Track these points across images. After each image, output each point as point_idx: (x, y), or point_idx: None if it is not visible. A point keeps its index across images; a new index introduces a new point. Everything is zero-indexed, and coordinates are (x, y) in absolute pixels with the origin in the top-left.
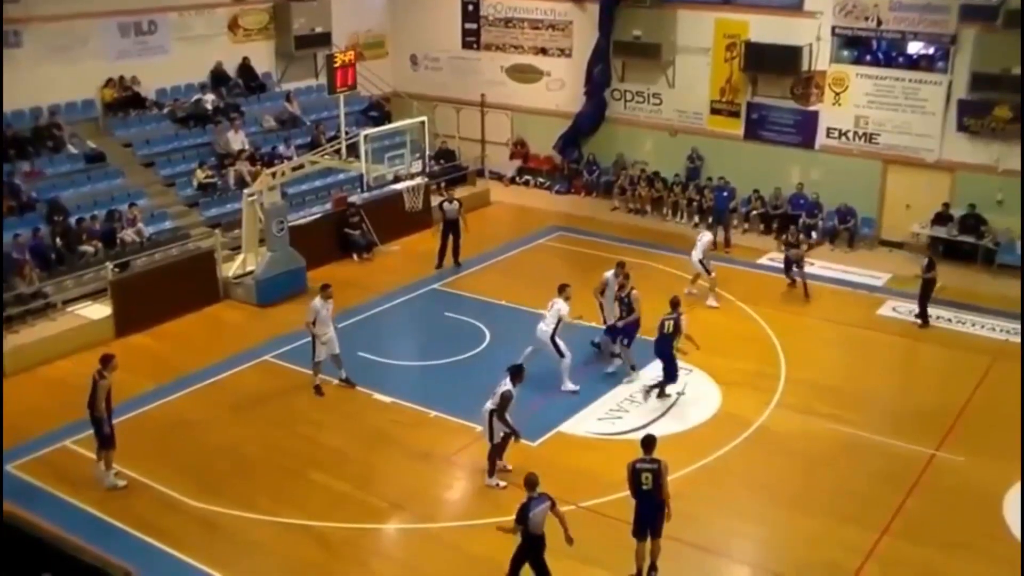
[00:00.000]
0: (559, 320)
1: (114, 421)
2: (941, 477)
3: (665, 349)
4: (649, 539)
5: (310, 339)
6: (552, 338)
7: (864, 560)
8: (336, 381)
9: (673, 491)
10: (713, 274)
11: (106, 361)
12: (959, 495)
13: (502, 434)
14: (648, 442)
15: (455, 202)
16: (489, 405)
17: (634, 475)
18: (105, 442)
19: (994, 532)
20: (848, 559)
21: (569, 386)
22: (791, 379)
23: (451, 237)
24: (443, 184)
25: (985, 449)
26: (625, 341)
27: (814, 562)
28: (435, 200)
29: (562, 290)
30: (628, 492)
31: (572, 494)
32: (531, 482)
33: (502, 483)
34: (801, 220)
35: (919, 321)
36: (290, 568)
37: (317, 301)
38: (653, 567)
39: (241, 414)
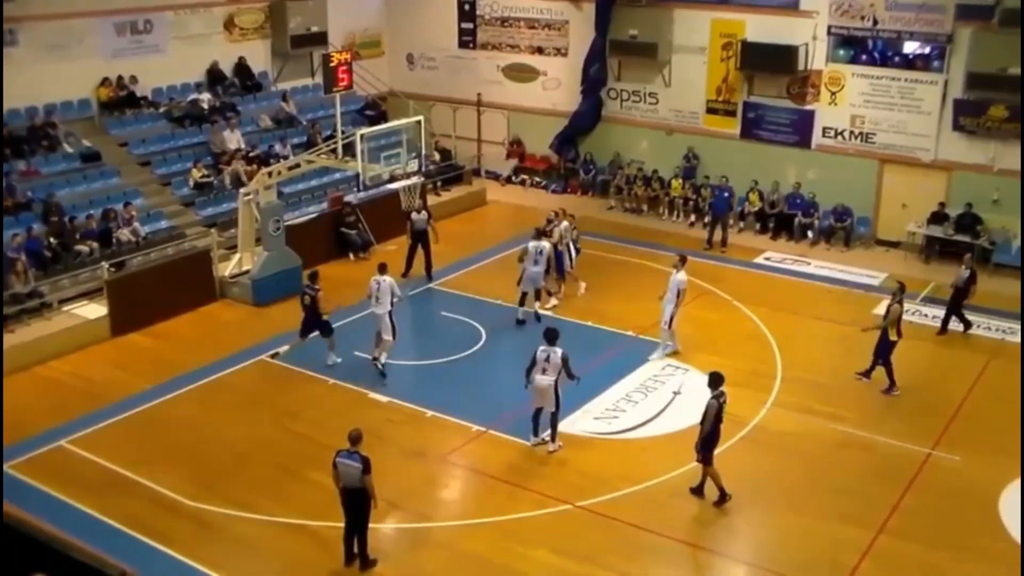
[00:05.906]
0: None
1: (109, 421)
2: (937, 476)
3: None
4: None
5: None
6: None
7: (861, 558)
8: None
9: (670, 490)
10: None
11: (315, 277)
12: (955, 494)
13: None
14: (717, 377)
15: (424, 212)
16: (552, 377)
17: (719, 410)
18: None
19: (991, 530)
20: (845, 557)
21: None
22: (787, 378)
23: (420, 248)
24: (439, 184)
25: (981, 448)
26: None
27: (811, 560)
28: (431, 201)
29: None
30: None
31: (569, 493)
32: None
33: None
34: (797, 219)
35: (961, 327)
36: (287, 568)
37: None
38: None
39: (237, 413)
